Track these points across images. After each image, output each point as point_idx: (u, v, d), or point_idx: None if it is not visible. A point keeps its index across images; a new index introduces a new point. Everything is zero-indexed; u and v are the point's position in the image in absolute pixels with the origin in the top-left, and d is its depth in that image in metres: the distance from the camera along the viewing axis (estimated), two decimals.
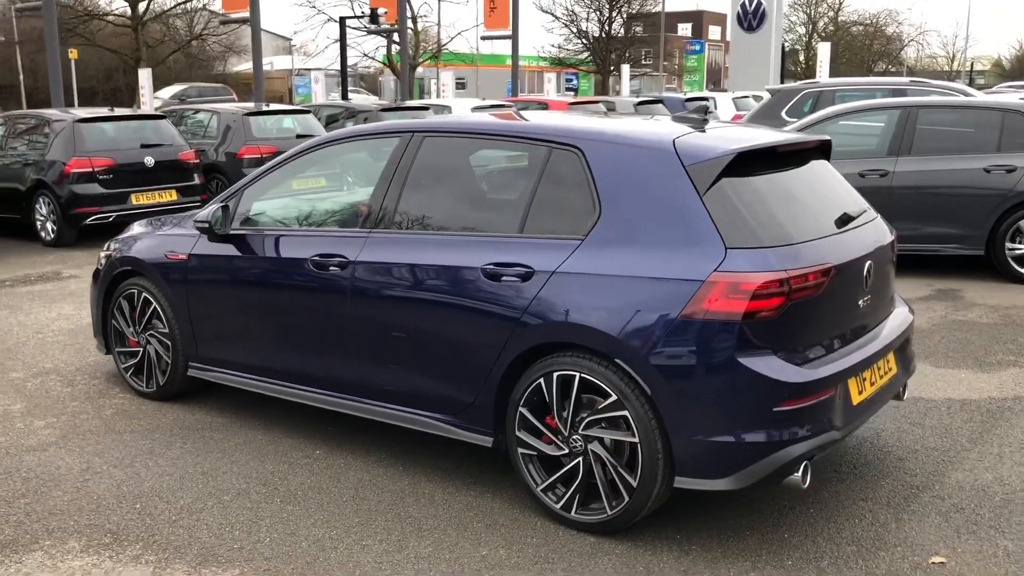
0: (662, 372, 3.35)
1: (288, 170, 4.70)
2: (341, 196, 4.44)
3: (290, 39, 54.98)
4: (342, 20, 25.99)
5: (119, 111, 12.37)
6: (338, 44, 26.53)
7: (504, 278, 3.70)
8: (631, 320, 3.41)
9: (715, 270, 3.30)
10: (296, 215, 4.71)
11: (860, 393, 3.64)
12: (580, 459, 3.59)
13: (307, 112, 14.30)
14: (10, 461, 4.41)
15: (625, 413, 3.43)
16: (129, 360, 5.32)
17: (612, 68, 47.10)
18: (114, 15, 33.93)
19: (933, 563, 3.40)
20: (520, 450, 3.76)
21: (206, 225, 4.61)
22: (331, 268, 4.21)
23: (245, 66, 64.75)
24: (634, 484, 3.45)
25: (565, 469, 3.64)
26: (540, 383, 3.64)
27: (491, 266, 3.75)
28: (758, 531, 3.64)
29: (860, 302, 3.73)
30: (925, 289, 7.83)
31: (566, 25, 48.91)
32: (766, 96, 13.19)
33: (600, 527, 3.60)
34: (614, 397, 3.45)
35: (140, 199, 10.83)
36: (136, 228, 5.49)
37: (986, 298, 7.50)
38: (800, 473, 3.35)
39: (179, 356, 5.02)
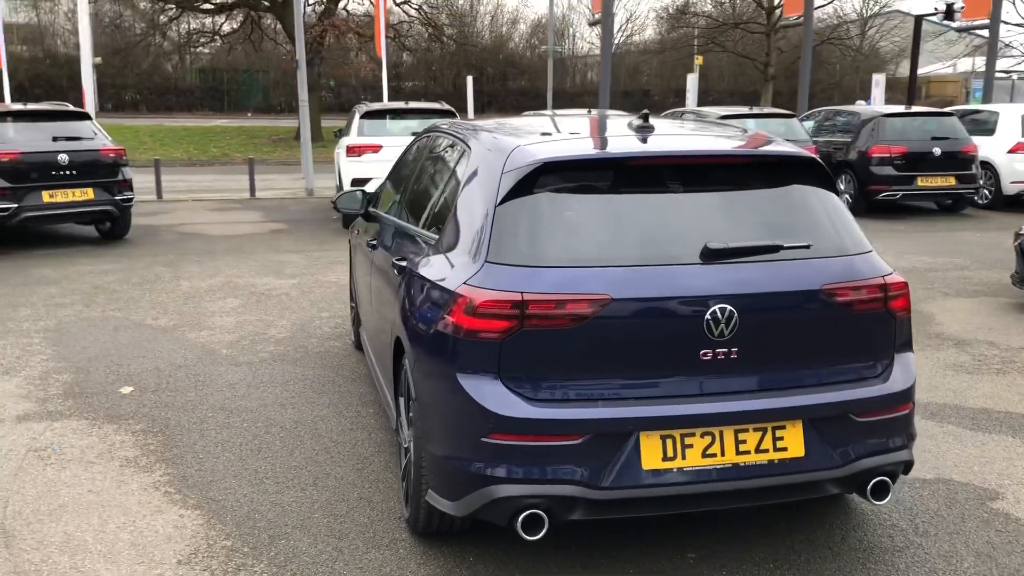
0: (417, 381, 3.29)
1: (396, 164, 5.32)
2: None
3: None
4: (917, 19, 23.49)
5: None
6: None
7: (399, 272, 3.86)
8: (415, 325, 3.38)
9: (464, 283, 3.10)
10: (385, 200, 5.28)
11: (669, 459, 2.99)
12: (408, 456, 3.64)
13: None
14: (210, 368, 5.85)
15: (411, 416, 3.42)
16: (352, 315, 6.47)
17: None
18: (755, 23, 35.66)
19: None
20: (397, 438, 3.91)
21: (333, 204, 5.47)
22: (374, 248, 4.75)
23: (928, 68, 61.60)
24: (410, 491, 3.42)
25: (405, 462, 3.71)
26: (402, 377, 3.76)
27: (396, 259, 3.94)
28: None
29: (703, 352, 3.02)
30: None
31: None
32: None
33: (410, 527, 3.61)
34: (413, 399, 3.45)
35: None
36: None
37: None
38: (520, 523, 2.97)
39: (357, 316, 5.99)
